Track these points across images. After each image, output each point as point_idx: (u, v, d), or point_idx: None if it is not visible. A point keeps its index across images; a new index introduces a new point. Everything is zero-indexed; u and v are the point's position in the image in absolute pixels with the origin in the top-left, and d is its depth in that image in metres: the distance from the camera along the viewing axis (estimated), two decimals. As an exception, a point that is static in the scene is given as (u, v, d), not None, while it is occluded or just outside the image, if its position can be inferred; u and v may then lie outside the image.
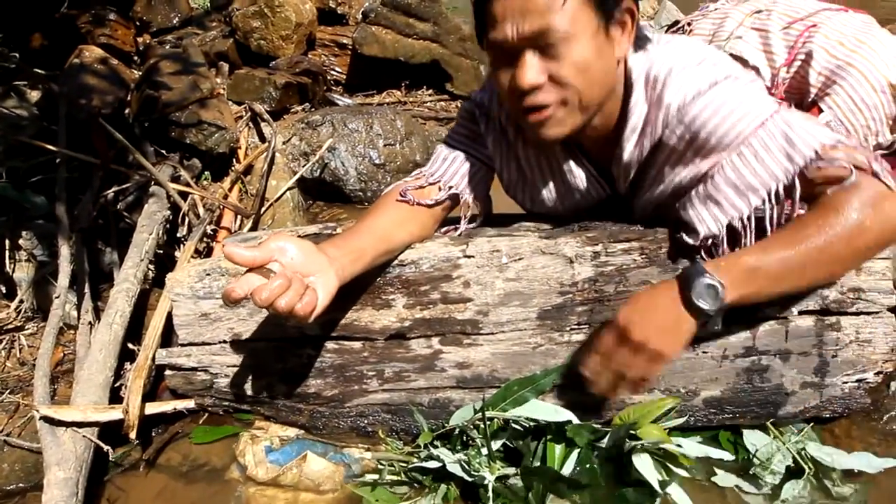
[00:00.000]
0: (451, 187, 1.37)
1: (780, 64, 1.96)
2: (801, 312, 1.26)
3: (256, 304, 0.99)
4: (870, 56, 1.85)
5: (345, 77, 3.35)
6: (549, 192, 1.40)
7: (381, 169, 2.62)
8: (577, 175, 1.34)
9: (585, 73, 1.11)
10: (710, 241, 1.20)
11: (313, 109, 2.94)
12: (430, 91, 3.34)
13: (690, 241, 1.22)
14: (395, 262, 1.34)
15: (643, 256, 1.27)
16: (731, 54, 1.62)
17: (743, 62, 1.70)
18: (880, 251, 1.18)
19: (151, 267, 2.02)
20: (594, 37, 1.10)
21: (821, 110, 1.91)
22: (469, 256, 1.31)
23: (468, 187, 1.39)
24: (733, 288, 1.08)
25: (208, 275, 1.44)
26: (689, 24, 1.87)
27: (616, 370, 1.13)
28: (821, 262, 1.10)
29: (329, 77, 3.32)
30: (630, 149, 1.24)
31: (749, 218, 1.16)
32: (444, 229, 1.42)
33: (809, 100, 1.96)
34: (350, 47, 3.28)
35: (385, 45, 3.16)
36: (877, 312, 1.25)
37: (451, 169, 1.39)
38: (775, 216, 1.15)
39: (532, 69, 1.10)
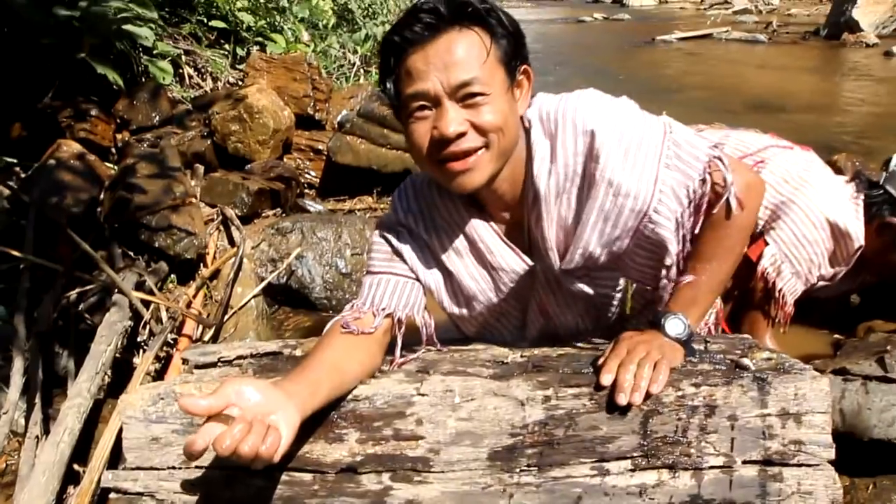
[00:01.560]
0: (383, 309, 1.41)
1: None
2: (744, 462, 1.28)
3: (219, 453, 0.97)
4: (810, 194, 1.98)
5: (318, 181, 3.43)
6: (475, 282, 1.46)
7: (347, 278, 2.65)
8: (491, 243, 1.41)
9: (504, 121, 1.23)
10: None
11: (284, 215, 3.00)
12: (402, 198, 3.40)
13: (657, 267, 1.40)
14: (350, 396, 1.35)
15: (592, 401, 1.30)
16: None
17: None
18: None
19: (109, 372, 2.00)
20: (506, 92, 1.24)
21: (766, 243, 2.02)
22: (423, 395, 1.33)
23: (399, 305, 1.43)
24: (691, 316, 1.35)
25: (162, 398, 1.42)
26: None
27: (635, 360, 1.25)
28: (729, 266, 1.41)
29: (303, 180, 3.40)
30: (545, 179, 1.33)
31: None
32: (398, 361, 1.44)
33: (758, 230, 2.07)
34: (325, 153, 3.37)
35: (359, 154, 3.25)
36: (817, 465, 1.28)
37: (377, 293, 1.43)
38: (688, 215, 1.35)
39: (456, 117, 1.19)
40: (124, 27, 3.62)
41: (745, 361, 1.33)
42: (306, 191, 3.39)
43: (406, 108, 1.24)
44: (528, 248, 1.45)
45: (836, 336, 2.22)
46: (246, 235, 2.64)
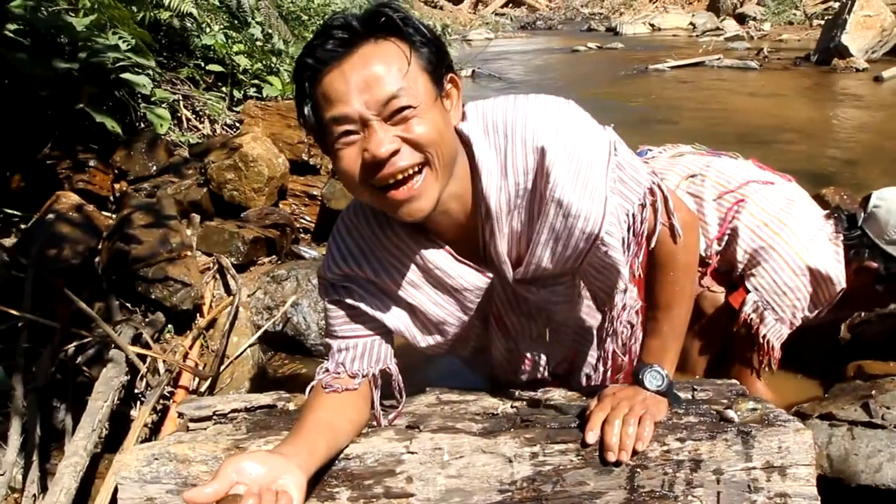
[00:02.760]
0: (357, 371, 1.41)
1: (712, 236, 2.10)
2: (731, 515, 1.29)
3: None
4: (790, 240, 1.99)
5: (314, 226, 3.47)
6: (441, 308, 1.43)
7: (342, 324, 2.67)
8: (447, 266, 1.37)
9: (439, 133, 1.16)
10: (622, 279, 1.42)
11: (280, 262, 3.03)
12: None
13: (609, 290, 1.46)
14: (341, 455, 1.37)
15: (579, 457, 1.32)
16: None
17: None
18: None
19: (106, 425, 2.02)
20: (435, 103, 1.17)
21: (748, 290, 2.03)
22: (412, 453, 1.35)
23: (371, 363, 1.43)
24: (665, 364, 1.43)
25: (156, 459, 1.44)
26: None
27: (620, 416, 1.30)
28: (686, 307, 1.49)
29: (298, 226, 3.43)
30: (495, 195, 1.29)
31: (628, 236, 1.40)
32: (390, 417, 1.46)
33: (737, 274, 2.08)
34: (320, 198, 3.42)
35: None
36: (803, 516, 1.29)
37: (347, 359, 1.42)
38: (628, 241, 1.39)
39: (386, 136, 1.12)
40: (122, 76, 3.69)
41: (730, 414, 1.35)
42: (301, 236, 3.43)
43: (330, 135, 1.16)
44: (482, 260, 1.42)
45: (826, 377, 2.23)
46: (242, 284, 2.67)
